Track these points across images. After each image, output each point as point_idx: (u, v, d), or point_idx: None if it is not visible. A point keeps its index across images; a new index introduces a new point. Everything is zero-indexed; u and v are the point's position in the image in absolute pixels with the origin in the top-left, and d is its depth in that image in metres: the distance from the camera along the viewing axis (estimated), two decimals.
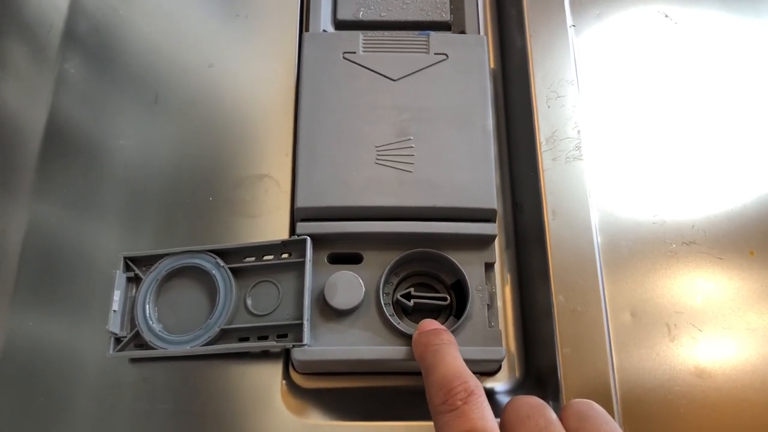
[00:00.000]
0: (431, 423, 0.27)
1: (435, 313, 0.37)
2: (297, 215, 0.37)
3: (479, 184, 0.37)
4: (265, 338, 0.34)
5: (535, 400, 0.27)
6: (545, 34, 0.43)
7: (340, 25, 0.44)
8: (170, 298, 0.35)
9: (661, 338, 0.36)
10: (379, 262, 0.36)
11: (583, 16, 0.45)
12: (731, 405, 0.35)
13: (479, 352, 0.34)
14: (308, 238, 0.35)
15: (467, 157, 0.37)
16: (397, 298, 0.36)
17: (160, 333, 0.34)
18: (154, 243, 0.38)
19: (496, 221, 0.37)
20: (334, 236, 0.36)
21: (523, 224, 0.41)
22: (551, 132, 0.40)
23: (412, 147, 0.37)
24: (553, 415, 0.26)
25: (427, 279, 0.37)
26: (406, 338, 0.34)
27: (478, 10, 0.43)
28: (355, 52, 0.40)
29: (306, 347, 0.34)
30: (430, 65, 0.40)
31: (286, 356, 0.36)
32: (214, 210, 0.39)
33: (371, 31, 0.42)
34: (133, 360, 0.35)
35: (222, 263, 0.35)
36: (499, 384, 0.38)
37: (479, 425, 0.25)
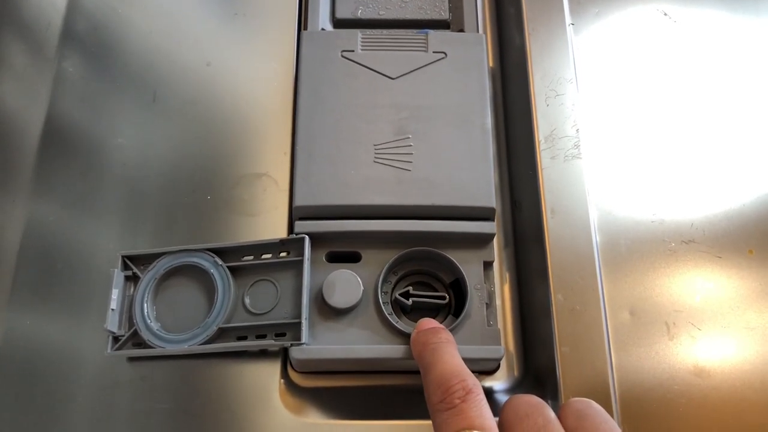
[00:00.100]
0: (430, 422, 0.27)
1: (433, 311, 0.36)
2: (295, 214, 0.37)
3: (478, 182, 0.37)
4: (263, 337, 0.34)
5: (533, 399, 0.27)
6: (544, 32, 0.43)
7: (339, 23, 0.44)
8: (168, 296, 0.35)
9: (660, 337, 0.36)
10: (377, 261, 0.36)
11: (582, 14, 0.45)
12: (730, 404, 0.35)
13: (478, 351, 0.34)
14: (306, 236, 0.35)
15: (466, 155, 0.37)
16: (395, 297, 0.35)
17: (158, 332, 0.34)
18: (152, 242, 0.38)
19: (495, 220, 0.37)
20: (332, 235, 0.36)
21: (521, 223, 0.41)
22: (550, 130, 0.40)
23: (410, 145, 0.37)
24: (552, 414, 0.26)
25: (425, 278, 0.37)
26: (405, 337, 0.34)
27: (477, 9, 0.43)
28: (353, 51, 0.40)
29: (304, 346, 0.34)
30: (429, 63, 0.40)
31: (284, 355, 0.36)
32: (213, 209, 0.39)
33: (370, 30, 0.42)
34: (131, 359, 0.35)
35: (220, 262, 0.35)
36: (498, 383, 0.38)
37: (477, 423, 0.25)
